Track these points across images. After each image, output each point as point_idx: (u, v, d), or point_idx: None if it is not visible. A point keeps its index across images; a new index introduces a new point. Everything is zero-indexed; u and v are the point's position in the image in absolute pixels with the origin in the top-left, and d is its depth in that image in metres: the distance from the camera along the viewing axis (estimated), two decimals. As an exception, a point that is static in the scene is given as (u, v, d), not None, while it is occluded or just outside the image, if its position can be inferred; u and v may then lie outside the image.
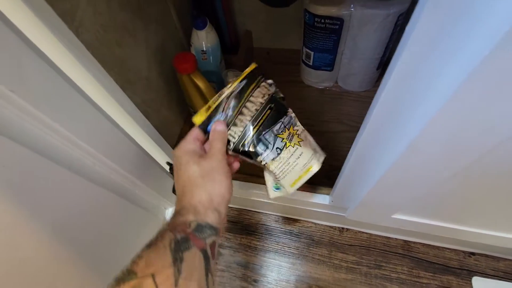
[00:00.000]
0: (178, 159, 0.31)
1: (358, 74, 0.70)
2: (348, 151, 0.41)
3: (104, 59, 0.36)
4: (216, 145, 0.32)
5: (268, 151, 0.36)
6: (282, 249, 0.68)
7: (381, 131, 0.31)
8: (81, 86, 0.31)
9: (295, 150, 0.37)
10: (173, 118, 0.67)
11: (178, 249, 0.22)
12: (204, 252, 0.24)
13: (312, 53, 0.69)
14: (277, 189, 0.41)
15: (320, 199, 0.58)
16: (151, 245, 0.23)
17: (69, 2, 0.35)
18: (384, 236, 0.68)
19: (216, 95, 0.36)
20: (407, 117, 0.27)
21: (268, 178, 0.40)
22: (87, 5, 0.38)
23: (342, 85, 0.76)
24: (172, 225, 0.24)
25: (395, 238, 0.67)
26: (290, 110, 0.39)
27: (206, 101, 0.54)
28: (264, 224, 0.72)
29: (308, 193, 0.59)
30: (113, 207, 0.41)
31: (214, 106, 0.35)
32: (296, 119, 0.39)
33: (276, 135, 0.36)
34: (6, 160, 0.24)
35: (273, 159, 0.36)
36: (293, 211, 0.68)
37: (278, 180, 0.38)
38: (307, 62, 0.72)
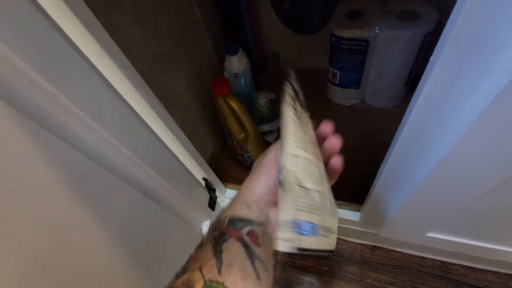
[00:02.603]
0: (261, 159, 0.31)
1: (386, 91, 0.71)
2: (377, 168, 0.42)
3: (153, 85, 0.41)
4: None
5: None
6: (313, 265, 0.68)
7: (410, 148, 0.32)
8: (138, 111, 0.36)
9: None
10: (207, 136, 0.73)
11: (217, 243, 0.25)
12: (241, 240, 0.25)
13: (338, 72, 0.71)
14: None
15: (351, 215, 0.59)
16: (198, 247, 0.26)
17: (127, 39, 0.41)
18: (419, 256, 0.65)
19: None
20: (436, 135, 0.28)
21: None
22: (141, 41, 0.44)
23: (369, 102, 0.77)
24: (214, 226, 0.27)
25: (431, 259, 0.64)
26: None
27: (239, 121, 0.58)
28: (293, 240, 0.73)
29: (338, 209, 0.60)
30: (159, 217, 0.45)
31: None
32: None
33: None
34: (88, 179, 0.29)
35: None
36: (323, 227, 0.68)
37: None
38: (334, 81, 0.74)
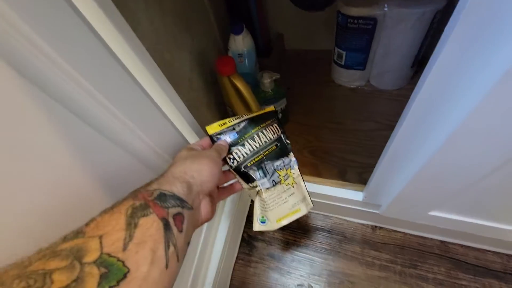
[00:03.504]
0: (177, 154, 0.34)
1: (392, 72, 0.70)
2: (381, 149, 0.42)
3: (157, 62, 0.41)
4: (214, 147, 0.36)
5: (265, 179, 0.40)
6: (314, 244, 0.70)
7: (420, 123, 0.32)
8: (144, 85, 0.36)
9: (288, 188, 0.41)
10: (211, 117, 0.72)
11: (135, 215, 0.21)
12: (164, 220, 0.23)
13: (344, 53, 0.70)
14: (263, 222, 0.40)
15: (353, 195, 0.59)
16: (107, 210, 0.22)
17: (132, 16, 0.40)
18: (420, 236, 0.67)
19: (235, 117, 0.41)
20: (447, 108, 0.28)
21: (257, 209, 0.40)
22: (144, 17, 0.43)
23: (374, 84, 0.76)
24: (134, 193, 0.24)
25: (431, 238, 0.66)
26: (292, 154, 0.43)
27: (243, 101, 0.58)
28: (296, 220, 0.74)
29: (340, 189, 0.61)
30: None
31: (230, 124, 0.40)
32: (296, 164, 0.43)
33: (275, 169, 0.41)
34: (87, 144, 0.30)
35: (267, 188, 0.40)
36: (325, 208, 0.69)
37: (266, 211, 0.40)
38: (339, 62, 0.73)
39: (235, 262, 0.71)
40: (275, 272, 0.68)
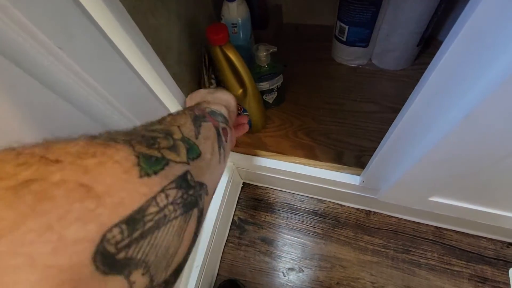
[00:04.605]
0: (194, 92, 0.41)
1: (396, 51, 0.66)
2: (381, 132, 0.39)
3: (140, 27, 0.35)
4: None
5: None
6: (307, 228, 0.68)
7: (431, 105, 0.28)
8: (122, 50, 0.31)
9: None
10: (202, 94, 0.67)
11: (197, 119, 0.25)
12: (217, 128, 0.27)
13: (346, 27, 0.65)
14: None
15: (350, 179, 0.57)
16: (172, 114, 0.26)
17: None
18: (414, 222, 0.65)
19: None
20: (468, 85, 0.24)
21: None
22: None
23: (376, 63, 0.72)
24: (189, 108, 0.28)
25: (426, 224, 0.65)
26: None
27: (237, 75, 0.53)
28: (289, 203, 0.72)
29: (337, 173, 0.58)
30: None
31: None
32: None
33: None
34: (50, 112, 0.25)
35: None
36: (320, 192, 0.67)
37: None
38: (341, 37, 0.68)
39: (225, 245, 0.69)
40: (266, 255, 0.66)
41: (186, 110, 0.27)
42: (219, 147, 0.26)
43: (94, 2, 0.27)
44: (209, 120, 0.27)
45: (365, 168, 0.51)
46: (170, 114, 0.25)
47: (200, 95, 0.40)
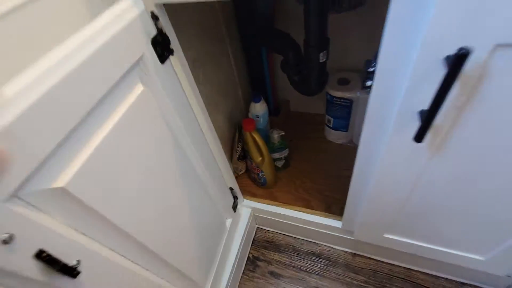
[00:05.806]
0: None
1: (367, 135, 0.95)
2: None
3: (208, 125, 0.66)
4: None
5: None
6: (306, 266, 0.87)
7: (365, 166, 0.55)
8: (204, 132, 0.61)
9: None
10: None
11: None
12: None
13: (332, 119, 0.96)
14: None
15: (335, 223, 0.79)
16: None
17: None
18: (390, 263, 0.84)
19: None
20: (374, 160, 0.51)
21: None
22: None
23: (355, 142, 1.01)
24: None
25: (398, 265, 0.83)
26: None
27: (258, 148, 0.82)
28: (292, 245, 0.93)
29: (326, 219, 0.81)
30: (208, 211, 0.68)
31: None
32: None
33: None
34: None
35: None
36: (315, 235, 0.88)
37: None
38: (329, 124, 0.99)
39: (241, 276, 0.88)
40: (275, 286, 0.84)
41: None
42: None
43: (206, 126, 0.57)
44: None
45: (343, 215, 0.74)
46: None
47: None
